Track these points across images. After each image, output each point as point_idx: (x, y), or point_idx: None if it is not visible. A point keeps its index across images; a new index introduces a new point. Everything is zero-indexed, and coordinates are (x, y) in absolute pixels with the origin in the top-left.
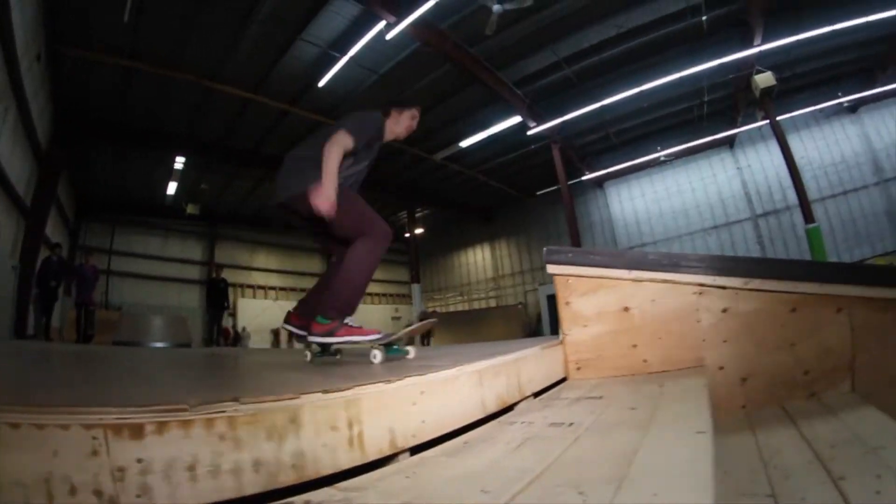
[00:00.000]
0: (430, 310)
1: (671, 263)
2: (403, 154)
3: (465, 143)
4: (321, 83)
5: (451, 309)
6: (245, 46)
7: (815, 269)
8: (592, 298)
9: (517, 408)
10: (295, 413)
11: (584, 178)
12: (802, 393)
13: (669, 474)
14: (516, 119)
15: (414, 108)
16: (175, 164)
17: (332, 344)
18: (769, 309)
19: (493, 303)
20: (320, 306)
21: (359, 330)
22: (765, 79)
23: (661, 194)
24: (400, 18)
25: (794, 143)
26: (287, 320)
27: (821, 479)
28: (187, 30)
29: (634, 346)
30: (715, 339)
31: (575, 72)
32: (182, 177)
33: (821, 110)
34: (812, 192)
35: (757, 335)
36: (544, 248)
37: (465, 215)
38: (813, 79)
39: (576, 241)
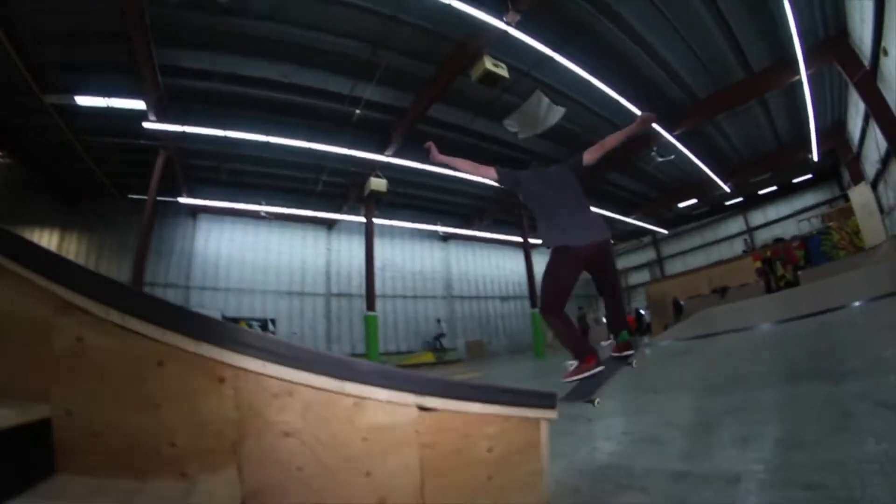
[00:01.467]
0: None
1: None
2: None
3: (82, 101)
4: None
5: None
6: None
7: (191, 321)
8: None
9: None
10: None
11: (180, 199)
12: (170, 469)
13: None
14: (141, 104)
15: None
16: None
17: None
18: (132, 353)
19: None
20: (618, 327)
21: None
22: (378, 183)
23: (249, 245)
24: None
25: (385, 245)
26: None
27: None
28: None
29: None
30: (66, 371)
31: (222, 92)
32: None
33: (419, 230)
34: (384, 289)
35: (114, 381)
36: None
37: (49, 186)
38: (423, 203)
39: (140, 263)
